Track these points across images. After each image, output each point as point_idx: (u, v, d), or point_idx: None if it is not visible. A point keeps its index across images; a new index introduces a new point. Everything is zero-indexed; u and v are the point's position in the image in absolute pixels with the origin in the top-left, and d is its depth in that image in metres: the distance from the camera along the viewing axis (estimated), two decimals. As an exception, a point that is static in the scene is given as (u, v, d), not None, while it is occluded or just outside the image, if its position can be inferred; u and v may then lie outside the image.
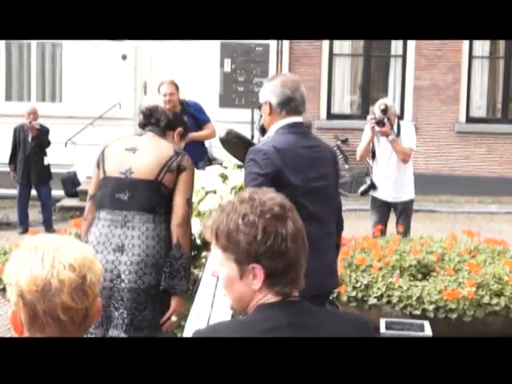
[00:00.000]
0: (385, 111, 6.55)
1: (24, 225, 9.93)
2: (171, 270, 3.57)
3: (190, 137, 7.86)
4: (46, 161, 9.97)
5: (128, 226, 3.53)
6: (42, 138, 9.82)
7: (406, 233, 6.58)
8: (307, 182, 3.40)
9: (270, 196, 1.81)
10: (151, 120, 3.78)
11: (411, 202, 6.85)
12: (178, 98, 7.16)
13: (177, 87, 7.17)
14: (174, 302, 3.66)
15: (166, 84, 7.03)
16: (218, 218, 1.79)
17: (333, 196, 3.60)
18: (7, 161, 10.17)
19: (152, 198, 3.55)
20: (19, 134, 9.95)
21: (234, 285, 1.80)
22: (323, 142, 3.77)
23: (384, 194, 6.78)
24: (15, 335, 1.68)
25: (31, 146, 9.82)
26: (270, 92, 3.50)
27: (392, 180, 6.69)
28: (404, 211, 6.79)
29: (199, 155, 7.30)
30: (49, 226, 9.98)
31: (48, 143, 9.97)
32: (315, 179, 3.46)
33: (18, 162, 9.94)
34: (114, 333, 3.51)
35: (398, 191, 6.72)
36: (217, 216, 1.81)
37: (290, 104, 3.47)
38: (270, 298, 1.79)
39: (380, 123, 6.50)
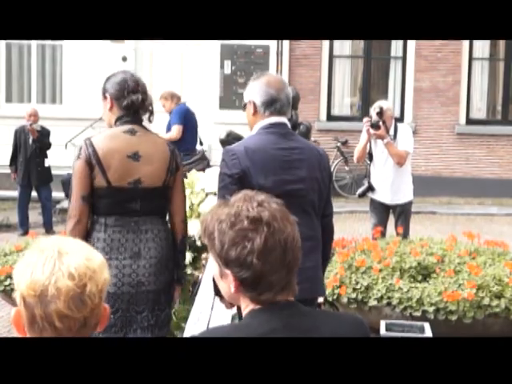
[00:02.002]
0: (380, 114, 6.52)
1: (24, 226, 9.93)
2: (178, 263, 3.70)
3: None
4: (47, 163, 9.97)
5: (141, 229, 3.53)
6: (42, 140, 9.82)
7: (405, 235, 6.57)
8: (280, 184, 3.28)
9: (250, 205, 1.78)
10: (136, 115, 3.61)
11: (409, 203, 6.84)
12: (169, 106, 9.48)
13: (166, 98, 9.50)
14: (177, 292, 3.80)
15: (162, 97, 9.49)
16: (207, 216, 1.82)
17: (312, 200, 3.44)
18: (8, 162, 10.17)
19: (162, 202, 3.60)
20: (20, 135, 9.95)
21: (219, 281, 1.83)
22: (310, 145, 3.67)
23: (382, 196, 6.78)
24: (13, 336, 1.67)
25: (32, 148, 9.82)
26: (254, 91, 3.43)
27: (389, 182, 6.68)
28: (402, 213, 6.78)
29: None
30: (49, 228, 9.97)
31: (49, 145, 9.97)
32: (291, 182, 3.35)
33: (18, 164, 9.94)
34: (137, 335, 3.56)
35: (395, 193, 6.71)
36: (208, 213, 1.83)
37: (275, 105, 3.40)
38: (255, 304, 1.79)
39: (374, 126, 6.49)
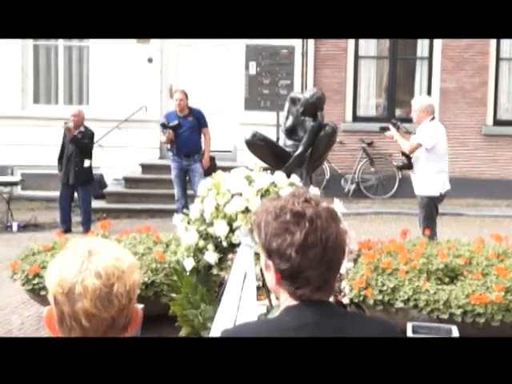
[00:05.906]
0: (394, 125, 7.74)
1: (65, 225, 10.01)
2: None
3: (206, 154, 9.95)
4: (87, 163, 10.04)
5: None
6: (79, 140, 9.91)
7: (424, 228, 6.95)
8: None
9: (296, 200, 1.82)
10: None
11: (426, 198, 7.31)
12: (186, 103, 9.92)
13: (186, 95, 9.91)
14: None
15: (179, 92, 9.99)
16: (259, 208, 1.88)
17: None
18: (35, 163, 10.28)
19: None
20: (65, 135, 10.10)
21: (265, 272, 1.87)
22: None
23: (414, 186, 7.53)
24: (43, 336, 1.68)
25: (72, 147, 9.95)
26: None
27: (416, 174, 7.45)
28: (421, 205, 7.41)
29: (196, 148, 9.93)
30: (87, 228, 9.80)
31: (86, 146, 10.02)
32: None
33: (62, 163, 10.08)
34: None
35: (416, 185, 7.45)
36: (260, 204, 1.90)
37: None
38: (292, 300, 1.82)
39: (381, 130, 8.02)
